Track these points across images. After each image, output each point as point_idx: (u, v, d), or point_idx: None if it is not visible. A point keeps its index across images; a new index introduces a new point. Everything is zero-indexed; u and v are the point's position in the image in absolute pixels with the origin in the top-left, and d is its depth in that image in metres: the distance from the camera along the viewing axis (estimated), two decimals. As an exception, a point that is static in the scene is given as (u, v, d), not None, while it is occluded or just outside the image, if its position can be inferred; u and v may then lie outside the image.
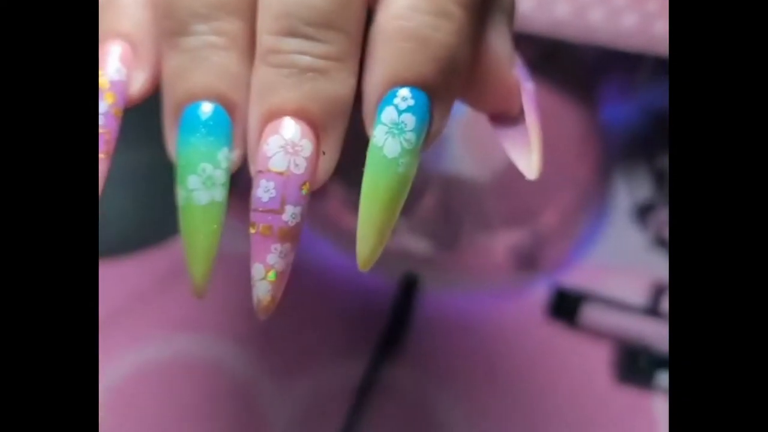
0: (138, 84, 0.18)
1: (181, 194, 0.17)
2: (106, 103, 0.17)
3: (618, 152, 0.43)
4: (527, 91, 0.20)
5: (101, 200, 0.17)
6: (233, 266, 0.34)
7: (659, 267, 0.40)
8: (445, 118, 0.18)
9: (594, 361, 0.37)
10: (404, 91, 0.17)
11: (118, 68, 0.17)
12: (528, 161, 0.19)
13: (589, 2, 0.34)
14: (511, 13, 0.19)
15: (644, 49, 0.35)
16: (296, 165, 0.17)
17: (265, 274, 0.17)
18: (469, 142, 0.36)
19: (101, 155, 0.17)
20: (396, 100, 0.17)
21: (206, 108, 0.17)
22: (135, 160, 0.37)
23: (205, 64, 0.17)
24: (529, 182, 0.19)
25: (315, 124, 0.17)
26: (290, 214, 0.17)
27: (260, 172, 0.17)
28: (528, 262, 0.38)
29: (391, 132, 0.17)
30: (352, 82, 0.17)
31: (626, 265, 0.40)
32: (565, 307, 0.38)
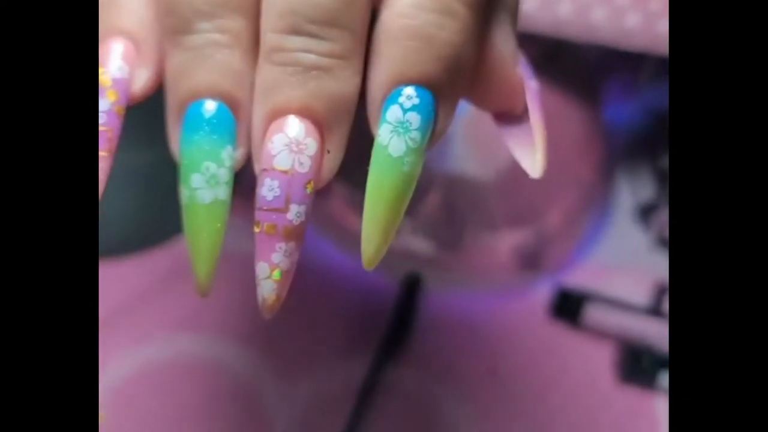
0: (140, 82, 0.17)
1: (184, 193, 0.17)
2: (109, 101, 0.17)
3: (621, 152, 0.43)
4: (531, 89, 0.20)
5: (103, 199, 0.17)
6: (235, 265, 0.34)
7: (662, 267, 0.40)
8: (450, 117, 0.18)
9: (597, 361, 0.37)
10: (409, 90, 0.17)
11: (120, 66, 0.17)
12: (532, 160, 0.19)
13: (592, 2, 0.34)
14: (515, 11, 0.19)
15: (647, 48, 0.34)
16: (301, 163, 0.17)
17: (270, 273, 0.17)
18: (472, 141, 0.36)
19: (104, 153, 0.17)
20: (401, 99, 0.17)
21: (210, 106, 0.17)
22: (136, 160, 0.37)
23: (208, 62, 0.16)
24: (533, 182, 0.19)
25: (319, 123, 0.17)
26: (295, 212, 0.17)
27: (265, 170, 0.17)
28: (531, 262, 0.38)
29: (396, 131, 0.17)
30: (356, 80, 0.17)
31: (629, 265, 0.40)
32: (568, 307, 0.38)
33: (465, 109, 0.22)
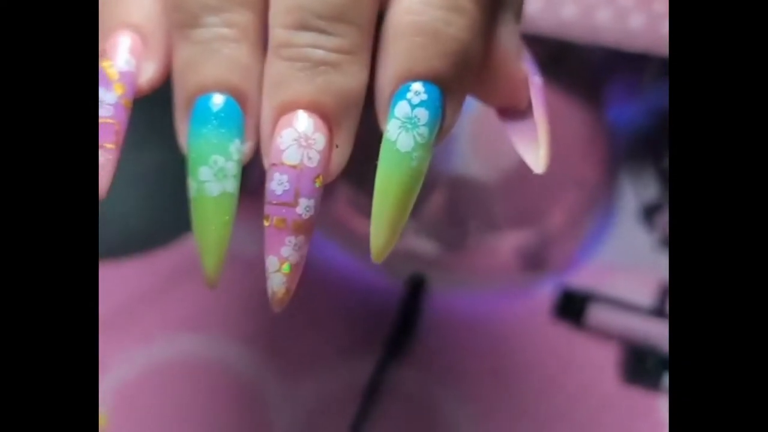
0: (147, 75, 0.18)
1: (192, 186, 0.17)
2: (116, 94, 0.17)
3: (624, 153, 0.43)
4: (535, 84, 0.20)
5: (105, 200, 0.17)
6: (237, 266, 0.34)
7: (666, 268, 0.40)
8: (458, 113, 0.18)
9: (600, 361, 0.37)
10: (417, 86, 0.17)
11: (127, 59, 0.17)
12: (535, 155, 0.19)
13: (596, 3, 0.34)
14: (519, 7, 0.19)
15: (651, 49, 0.35)
16: (309, 158, 0.17)
17: (280, 266, 0.17)
18: (476, 142, 0.36)
19: (111, 146, 0.17)
20: (409, 95, 0.17)
21: (218, 100, 0.17)
22: (138, 162, 0.37)
23: (216, 56, 0.17)
24: (536, 183, 0.19)
25: (328, 118, 0.17)
26: (304, 206, 0.17)
27: (274, 165, 0.17)
28: (535, 262, 0.38)
29: (404, 126, 0.17)
30: (364, 75, 0.17)
31: (633, 265, 0.40)
32: (572, 307, 0.38)
33: (469, 111, 0.22)
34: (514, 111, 0.20)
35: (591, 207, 0.39)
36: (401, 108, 0.17)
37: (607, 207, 0.41)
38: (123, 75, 0.17)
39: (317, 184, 0.17)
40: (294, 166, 0.17)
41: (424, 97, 0.17)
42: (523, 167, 0.19)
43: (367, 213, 0.17)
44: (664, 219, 0.41)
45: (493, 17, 0.18)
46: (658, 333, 0.36)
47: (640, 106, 0.43)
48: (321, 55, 0.16)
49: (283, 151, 0.17)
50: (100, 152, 0.17)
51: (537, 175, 0.19)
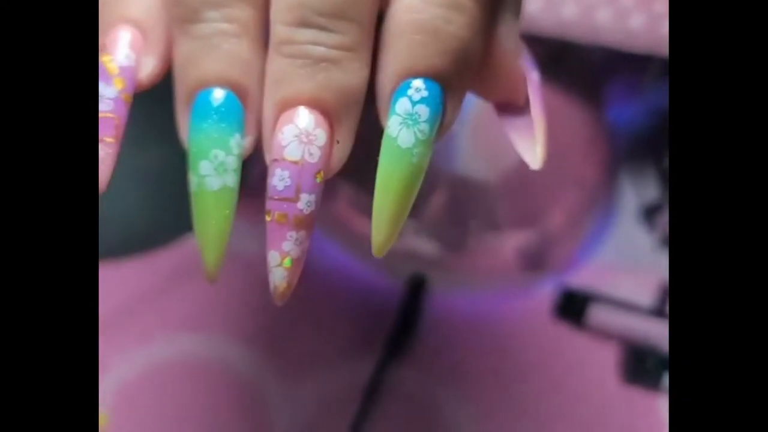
0: (147, 69, 0.18)
1: (193, 180, 0.17)
2: (116, 89, 0.17)
3: (625, 153, 0.43)
4: (533, 81, 0.20)
5: (105, 200, 0.17)
6: (238, 266, 0.34)
7: (666, 268, 0.40)
8: (458, 110, 0.18)
9: (601, 361, 0.37)
10: (418, 83, 0.17)
11: (127, 54, 0.17)
12: (533, 152, 0.19)
13: (597, 3, 0.34)
14: (518, 4, 0.19)
15: (651, 49, 0.35)
16: (311, 154, 0.17)
17: (281, 261, 0.17)
18: (476, 142, 0.36)
19: (111, 140, 0.17)
20: (410, 92, 0.17)
21: (218, 94, 0.17)
22: (138, 161, 0.37)
23: (216, 51, 0.17)
24: (537, 183, 0.19)
25: (329, 114, 0.17)
26: (305, 202, 0.17)
27: (275, 160, 0.17)
28: (535, 262, 0.38)
29: (405, 123, 0.17)
30: (364, 72, 0.17)
31: (633, 265, 0.40)
32: (572, 307, 0.38)
33: (469, 111, 0.22)
34: (512, 107, 0.20)
35: (591, 207, 0.39)
36: (402, 105, 0.17)
37: (608, 207, 0.41)
38: (123, 70, 0.17)
39: (318, 180, 0.17)
40: (295, 162, 0.17)
41: (424, 94, 0.17)
42: (523, 167, 0.19)
43: (367, 213, 0.17)
44: (664, 219, 0.41)
45: (493, 15, 0.18)
46: (658, 333, 0.36)
47: (641, 106, 0.43)
48: (322, 52, 0.17)
49: (285, 147, 0.17)
50: (100, 146, 0.17)
51: (537, 176, 0.19)
